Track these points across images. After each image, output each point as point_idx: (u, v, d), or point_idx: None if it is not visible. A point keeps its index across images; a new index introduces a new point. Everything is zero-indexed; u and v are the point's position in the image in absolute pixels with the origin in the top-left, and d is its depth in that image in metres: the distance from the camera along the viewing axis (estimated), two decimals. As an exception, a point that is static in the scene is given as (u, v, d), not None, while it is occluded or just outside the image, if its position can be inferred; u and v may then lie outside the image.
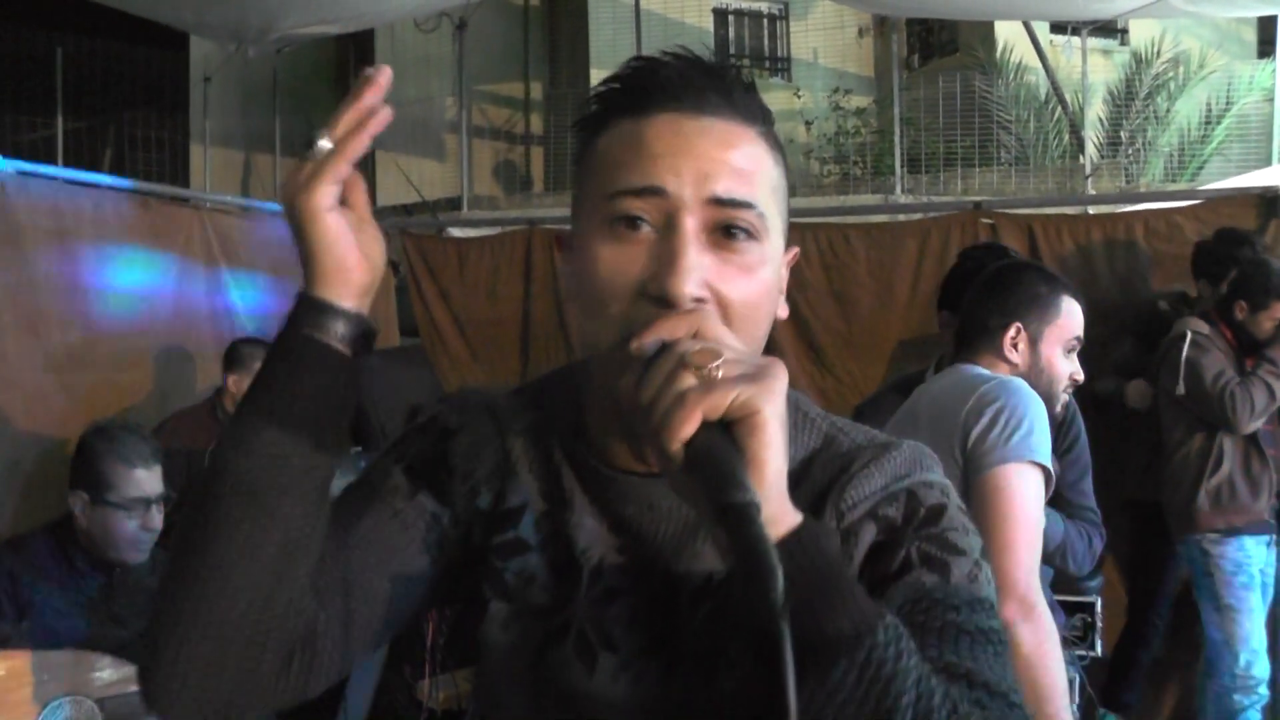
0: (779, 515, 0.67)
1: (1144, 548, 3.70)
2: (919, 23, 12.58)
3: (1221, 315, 3.45)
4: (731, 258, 0.77)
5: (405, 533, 0.86)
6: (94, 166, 8.91)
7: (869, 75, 13.01)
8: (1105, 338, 3.47)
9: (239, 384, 3.54)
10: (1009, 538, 1.70)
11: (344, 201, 0.75)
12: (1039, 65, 10.01)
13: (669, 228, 0.76)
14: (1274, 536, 3.42)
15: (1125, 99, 10.97)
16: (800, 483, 0.81)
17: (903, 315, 4.10)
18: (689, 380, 0.67)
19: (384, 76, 0.73)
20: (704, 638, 0.80)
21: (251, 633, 0.75)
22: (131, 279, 3.89)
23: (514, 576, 0.86)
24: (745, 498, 0.62)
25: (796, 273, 0.90)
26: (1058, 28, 10.22)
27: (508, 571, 0.86)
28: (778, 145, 0.83)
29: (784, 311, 0.84)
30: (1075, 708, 2.22)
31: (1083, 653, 2.65)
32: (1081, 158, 9.10)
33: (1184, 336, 3.39)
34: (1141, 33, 11.35)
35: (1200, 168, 10.65)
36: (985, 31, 11.69)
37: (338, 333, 0.75)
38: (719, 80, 0.79)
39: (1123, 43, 12.03)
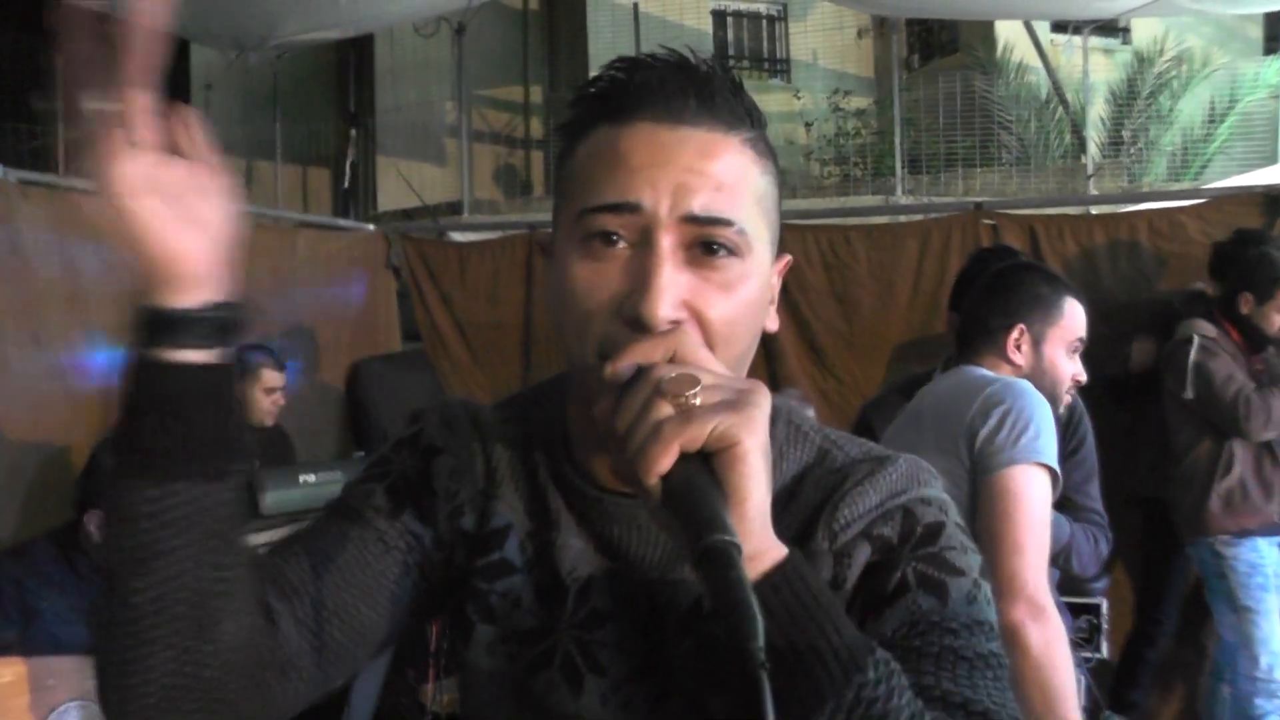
0: (761, 550, 0.65)
1: (1151, 546, 3.67)
2: (919, 23, 12.56)
3: (1226, 313, 3.39)
4: (711, 275, 0.74)
5: (387, 555, 0.83)
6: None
7: (869, 76, 13.02)
8: (1109, 338, 3.45)
9: (246, 391, 3.56)
10: (1018, 539, 1.71)
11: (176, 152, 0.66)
12: (1040, 65, 10.01)
13: (644, 245, 0.73)
14: (1286, 538, 3.37)
15: (1127, 98, 10.97)
16: (791, 500, 0.79)
17: (904, 316, 4.09)
18: (665, 410, 0.64)
19: None
20: (691, 672, 0.77)
21: (193, 671, 0.71)
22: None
23: (499, 599, 0.83)
24: (723, 539, 0.59)
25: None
26: (1059, 27, 10.18)
27: (493, 594, 0.83)
28: (767, 151, 0.79)
29: (774, 324, 0.81)
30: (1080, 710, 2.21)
31: (1088, 655, 2.64)
32: (1083, 157, 9.10)
33: (1190, 340, 3.33)
34: (1144, 31, 11.36)
35: (1204, 167, 10.65)
36: (985, 31, 11.68)
37: (190, 340, 0.68)
38: (702, 85, 0.75)
39: (1124, 42, 12.01)
